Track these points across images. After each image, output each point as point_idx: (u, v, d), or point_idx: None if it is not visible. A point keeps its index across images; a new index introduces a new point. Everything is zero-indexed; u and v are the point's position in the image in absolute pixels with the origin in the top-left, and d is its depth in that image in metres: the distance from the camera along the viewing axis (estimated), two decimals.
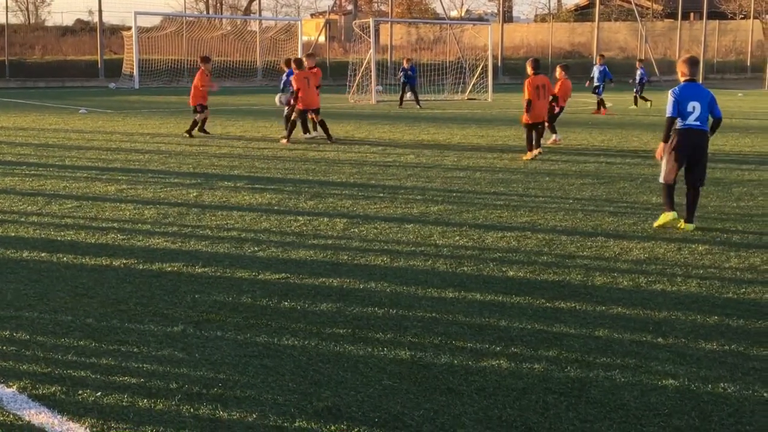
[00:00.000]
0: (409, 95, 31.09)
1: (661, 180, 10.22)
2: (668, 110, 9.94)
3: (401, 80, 31.13)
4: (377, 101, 32.62)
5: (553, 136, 18.77)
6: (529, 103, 16.21)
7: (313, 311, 6.72)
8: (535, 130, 16.47)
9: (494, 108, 31.23)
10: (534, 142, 16.44)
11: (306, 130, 19.68)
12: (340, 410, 4.88)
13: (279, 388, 5.17)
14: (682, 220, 10.00)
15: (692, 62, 10.23)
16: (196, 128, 19.84)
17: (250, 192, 12.12)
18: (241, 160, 15.64)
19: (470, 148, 17.96)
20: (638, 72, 32.10)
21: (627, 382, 5.35)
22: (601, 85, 28.61)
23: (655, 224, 10.10)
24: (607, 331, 6.33)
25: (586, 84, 30.92)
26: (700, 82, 37.43)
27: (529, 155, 16.27)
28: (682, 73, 10.12)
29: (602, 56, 30.68)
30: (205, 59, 20.62)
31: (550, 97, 17.31)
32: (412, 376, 5.41)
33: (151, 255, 8.44)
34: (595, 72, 28.86)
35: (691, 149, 9.97)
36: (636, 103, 32.15)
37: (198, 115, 19.80)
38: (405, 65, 31.05)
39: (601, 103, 28.67)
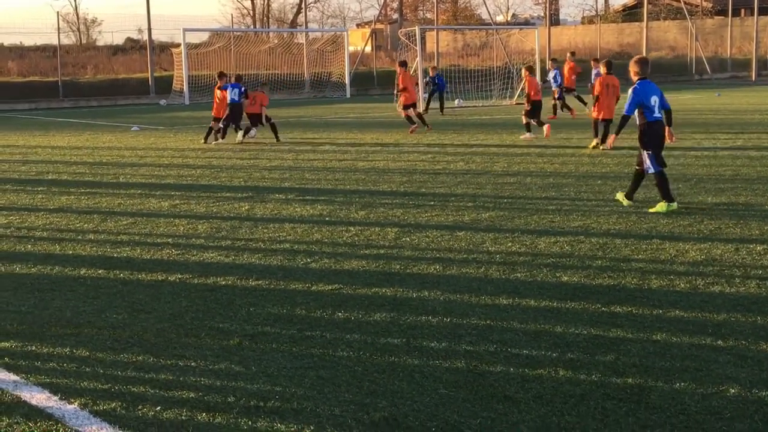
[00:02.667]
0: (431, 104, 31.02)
1: (652, 170, 11.08)
2: (626, 108, 11.22)
3: (430, 89, 31.10)
4: (425, 109, 32.60)
5: (527, 134, 20.76)
6: (597, 98, 18.32)
7: (367, 321, 6.73)
8: (603, 124, 18.15)
9: (543, 112, 31.02)
10: (600, 136, 18.19)
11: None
12: (397, 420, 4.88)
13: (335, 400, 5.18)
14: (625, 196, 11.48)
15: (644, 62, 11.42)
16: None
17: (301, 204, 12.18)
18: (292, 172, 15.74)
19: (520, 154, 17.86)
20: (551, 74, 27.86)
21: (687, 386, 5.27)
22: (560, 89, 27.87)
23: (653, 210, 10.98)
24: (665, 334, 6.25)
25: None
26: (753, 78, 36.47)
27: (593, 144, 18.33)
28: (635, 73, 11.28)
29: (555, 60, 29.63)
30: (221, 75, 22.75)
31: (617, 97, 18.70)
32: (468, 384, 5.39)
33: (205, 269, 8.53)
34: (551, 76, 28.04)
35: (660, 138, 11.17)
36: (555, 111, 27.39)
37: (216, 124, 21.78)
38: (431, 74, 31.06)
39: (555, 107, 27.55)
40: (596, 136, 18.48)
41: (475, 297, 7.35)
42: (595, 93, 18.66)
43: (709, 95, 38.79)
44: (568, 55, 29.39)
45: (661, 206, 10.94)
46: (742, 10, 69.06)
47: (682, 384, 5.31)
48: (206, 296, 7.56)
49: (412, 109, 23.92)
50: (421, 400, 5.15)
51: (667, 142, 11.36)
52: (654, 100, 11.08)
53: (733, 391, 5.18)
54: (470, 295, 7.41)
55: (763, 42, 62.34)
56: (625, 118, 11.37)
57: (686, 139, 19.95)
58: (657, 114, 11.13)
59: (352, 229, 10.34)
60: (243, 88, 22.22)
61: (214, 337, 6.43)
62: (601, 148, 17.90)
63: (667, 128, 11.32)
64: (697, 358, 5.75)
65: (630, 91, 11.09)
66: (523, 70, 22.79)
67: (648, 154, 11.08)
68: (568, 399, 5.12)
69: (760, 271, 7.96)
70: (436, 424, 4.82)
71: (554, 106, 27.45)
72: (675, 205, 10.93)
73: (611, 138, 12.06)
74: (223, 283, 8.00)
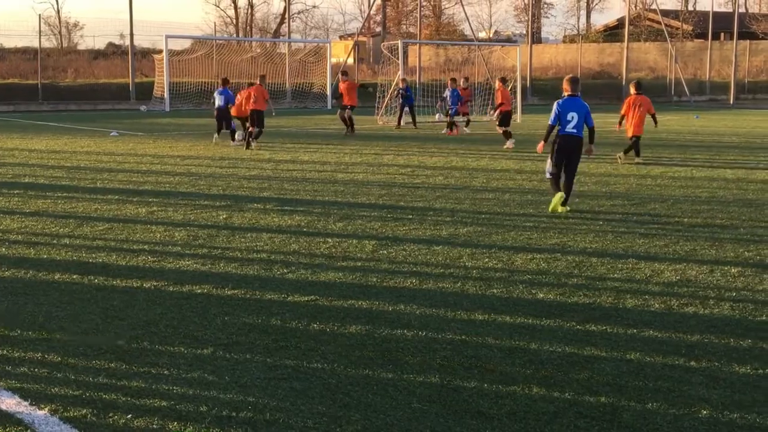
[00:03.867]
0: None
1: (548, 175, 12.85)
2: (551, 118, 12.66)
3: (399, 101, 31.14)
4: (405, 123, 32.65)
5: (508, 142, 22.90)
6: (622, 118, 19.67)
7: (342, 333, 6.72)
8: (633, 140, 19.39)
9: (523, 129, 31.15)
10: (635, 152, 19.32)
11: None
12: None
13: (308, 411, 5.17)
14: (562, 206, 12.43)
15: (573, 81, 12.87)
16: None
17: (279, 214, 12.16)
18: (270, 182, 15.71)
19: (499, 170, 17.92)
20: (446, 93, 28.47)
21: (660, 406, 5.29)
22: (455, 107, 28.12)
23: (549, 209, 12.38)
24: (639, 354, 6.28)
25: (437, 105, 33.05)
26: (731, 102, 36.75)
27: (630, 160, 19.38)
28: (565, 89, 12.74)
29: (453, 80, 29.76)
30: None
31: (646, 114, 19.69)
32: (442, 399, 5.38)
33: (181, 277, 8.48)
34: (447, 94, 28.28)
35: (568, 150, 12.51)
36: (451, 128, 27.83)
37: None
38: (401, 85, 31.12)
39: (452, 124, 27.89)
40: (635, 152, 19.39)
41: (450, 312, 7.35)
42: (623, 112, 19.73)
43: (687, 117, 39.08)
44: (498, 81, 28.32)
45: (555, 199, 12.39)
46: (722, 34, 69.75)
47: (655, 404, 5.33)
48: (181, 304, 7.52)
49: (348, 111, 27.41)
50: (394, 414, 5.14)
51: (584, 155, 12.89)
52: (571, 115, 12.45)
53: (705, 412, 5.21)
54: (446, 309, 7.42)
55: (742, 66, 62.97)
56: (549, 127, 12.78)
57: (664, 160, 20.09)
58: (570, 129, 12.47)
59: (330, 240, 10.32)
60: (230, 92, 23.64)
61: (188, 345, 6.40)
62: (621, 160, 19.28)
63: (542, 142, 13.04)
64: (670, 379, 5.78)
65: (554, 104, 12.71)
66: (497, 81, 24.93)
67: (550, 159, 12.65)
68: (542, 416, 5.13)
69: (734, 293, 8.01)
70: None
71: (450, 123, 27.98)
72: (560, 194, 12.37)
73: (540, 144, 13.10)
74: (199, 291, 7.97)
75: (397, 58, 33.94)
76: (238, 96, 23.98)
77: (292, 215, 12.04)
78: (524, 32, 76.51)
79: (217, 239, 10.40)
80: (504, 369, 5.94)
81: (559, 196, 12.34)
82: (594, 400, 5.39)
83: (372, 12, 78.75)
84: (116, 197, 13.71)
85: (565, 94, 12.65)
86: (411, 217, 12.01)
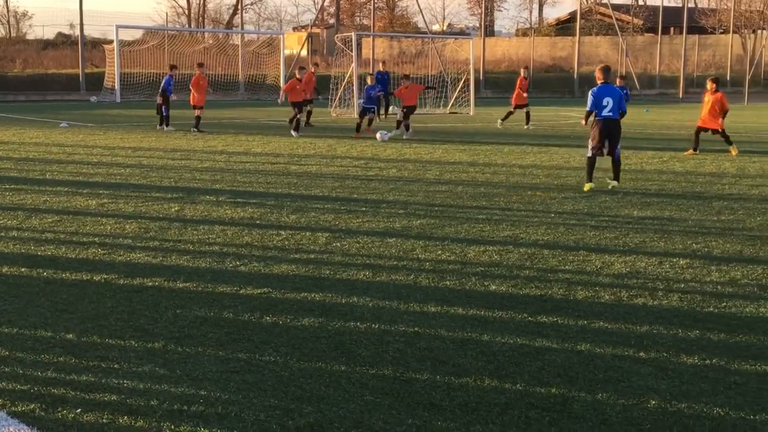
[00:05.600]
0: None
1: (589, 154, 14.17)
2: (588, 105, 14.14)
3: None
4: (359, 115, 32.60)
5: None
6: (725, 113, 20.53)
7: (295, 326, 6.70)
8: (701, 132, 20.50)
9: (476, 122, 31.31)
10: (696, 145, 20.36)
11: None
12: (322, 426, 4.86)
13: (261, 405, 5.15)
14: (612, 180, 14.22)
15: (606, 69, 14.39)
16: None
17: (232, 206, 12.09)
18: (223, 174, 15.61)
19: (452, 162, 17.98)
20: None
21: (609, 397, 5.35)
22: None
23: (585, 189, 13.87)
24: (589, 345, 6.34)
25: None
26: (680, 96, 37.08)
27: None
28: (598, 78, 14.23)
29: (368, 74, 29.97)
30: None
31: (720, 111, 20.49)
32: (395, 391, 5.40)
33: (132, 270, 8.40)
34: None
35: (607, 131, 13.97)
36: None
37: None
38: (381, 68, 31.20)
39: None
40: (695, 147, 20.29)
41: (403, 304, 7.37)
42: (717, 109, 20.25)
43: (638, 111, 39.50)
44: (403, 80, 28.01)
45: (585, 187, 13.94)
46: (672, 29, 70.59)
47: (605, 395, 5.39)
48: (132, 297, 7.45)
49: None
50: (347, 407, 5.14)
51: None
52: (606, 101, 13.89)
53: (653, 402, 5.28)
54: (399, 302, 7.43)
55: (691, 60, 63.84)
56: (588, 112, 14.24)
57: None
58: (606, 113, 13.92)
59: (283, 233, 10.29)
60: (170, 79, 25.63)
61: (138, 339, 6.34)
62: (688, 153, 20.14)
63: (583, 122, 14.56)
64: (619, 369, 5.85)
65: (589, 93, 14.19)
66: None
67: (591, 141, 14.07)
68: (493, 407, 5.16)
69: (683, 285, 8.12)
70: (362, 431, 4.82)
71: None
72: (590, 185, 13.92)
73: (584, 123, 14.63)
74: (150, 284, 7.90)
75: (351, 51, 33.88)
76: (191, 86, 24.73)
77: (245, 207, 11.98)
78: (477, 25, 76.82)
79: (169, 232, 10.31)
80: (456, 361, 5.97)
81: (589, 186, 13.89)
82: (545, 390, 5.44)
83: (326, 4, 78.55)
84: (66, 189, 13.53)
85: (599, 82, 14.12)
86: (364, 209, 12.01)
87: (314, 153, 19.58)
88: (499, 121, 28.42)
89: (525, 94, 28.01)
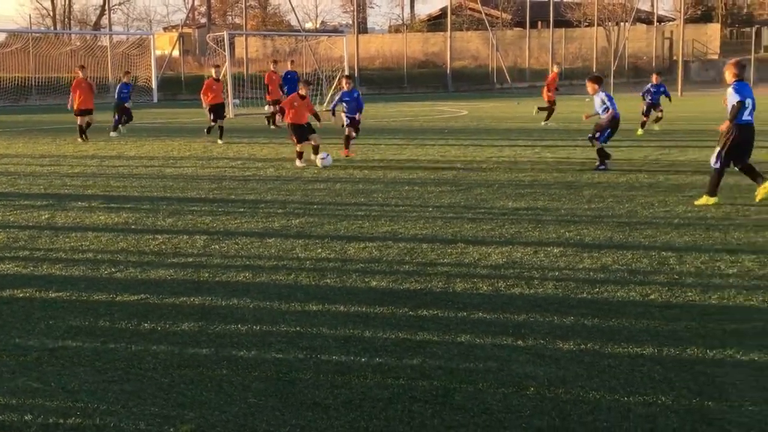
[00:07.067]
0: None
1: (714, 164, 11.85)
2: (736, 98, 11.54)
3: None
4: (235, 115, 32.31)
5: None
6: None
7: (174, 331, 6.59)
8: None
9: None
10: None
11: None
12: None
13: (141, 413, 5.04)
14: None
15: (741, 65, 12.07)
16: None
17: (105, 212, 11.79)
18: (96, 179, 15.21)
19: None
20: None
21: (489, 386, 5.45)
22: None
23: (697, 203, 11.95)
24: (469, 336, 6.44)
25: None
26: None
27: None
28: (733, 75, 11.80)
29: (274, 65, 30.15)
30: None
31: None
32: (278, 392, 5.36)
33: (1, 281, 8.09)
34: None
35: (747, 141, 11.78)
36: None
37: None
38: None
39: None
40: None
41: (285, 304, 7.33)
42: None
43: (509, 104, 40.39)
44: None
45: (704, 199, 11.90)
46: (539, 23, 72.32)
47: (485, 384, 5.48)
48: (2, 310, 7.18)
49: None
50: (229, 410, 5.08)
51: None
52: (748, 102, 11.62)
53: (532, 389, 5.40)
54: (280, 302, 7.39)
55: (559, 53, 65.54)
56: (739, 104, 11.53)
57: (488, 145, 20.68)
58: (746, 117, 11.66)
59: (159, 237, 10.10)
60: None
61: (10, 353, 6.11)
62: None
63: (727, 122, 11.73)
64: (498, 359, 5.96)
65: (730, 89, 11.70)
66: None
67: (720, 148, 11.78)
68: (377, 403, 5.19)
69: (557, 273, 8.33)
70: None
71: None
72: (714, 200, 11.81)
73: (726, 124, 11.72)
74: (21, 295, 7.63)
75: (224, 50, 33.50)
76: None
77: (119, 212, 11.70)
78: (350, 22, 77.03)
79: (39, 240, 9.98)
80: (339, 358, 5.97)
81: (714, 201, 11.80)
82: (427, 383, 5.49)
83: (196, 3, 77.44)
84: None
85: (733, 80, 11.82)
86: (242, 210, 11.90)
87: (190, 155, 19.29)
88: (542, 120, 28.24)
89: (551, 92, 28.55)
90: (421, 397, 5.26)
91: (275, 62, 30.21)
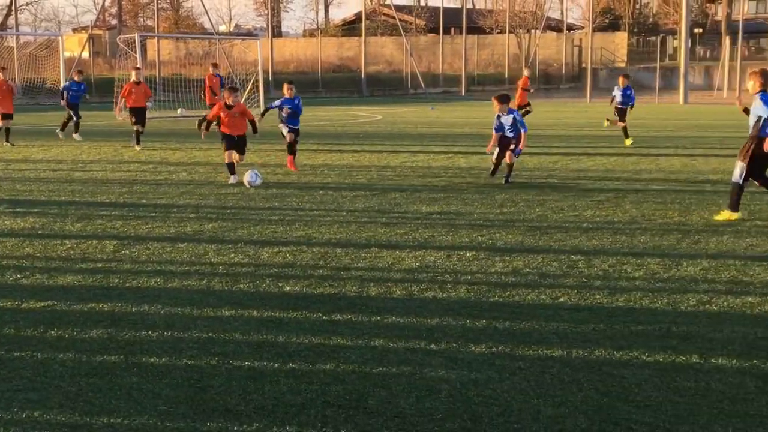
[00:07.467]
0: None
1: (740, 180, 11.29)
2: (764, 111, 10.98)
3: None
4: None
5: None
6: None
7: (83, 339, 6.45)
8: None
9: (266, 123, 31.16)
10: None
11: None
12: None
13: (46, 423, 4.92)
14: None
15: (766, 74, 11.21)
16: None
17: (11, 216, 11.49)
18: (1, 183, 14.81)
19: (243, 165, 17.80)
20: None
21: (403, 389, 5.47)
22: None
23: (717, 217, 11.43)
24: (382, 340, 6.46)
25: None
26: (463, 93, 38.23)
27: None
28: (760, 84, 11.12)
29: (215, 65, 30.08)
30: None
31: None
32: (189, 399, 5.29)
33: None
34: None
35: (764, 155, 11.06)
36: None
37: None
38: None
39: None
40: None
41: (197, 310, 7.25)
42: None
43: (423, 109, 40.68)
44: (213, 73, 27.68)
45: (726, 214, 11.43)
46: (453, 29, 73.10)
47: (398, 388, 5.50)
48: None
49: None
50: (139, 419, 5.00)
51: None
52: None
53: (444, 392, 5.44)
54: (192, 307, 7.30)
55: (471, 59, 66.32)
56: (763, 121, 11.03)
57: (402, 150, 20.79)
58: None
59: (68, 242, 9.88)
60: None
61: None
62: None
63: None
64: (412, 362, 5.99)
65: (759, 100, 11.09)
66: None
67: (742, 162, 11.26)
68: (290, 408, 5.16)
69: (470, 276, 8.41)
70: None
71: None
72: (737, 215, 11.35)
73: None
74: None
75: (135, 52, 32.97)
76: None
77: (26, 217, 11.41)
78: (265, 26, 76.61)
79: None
80: (252, 364, 5.93)
81: (737, 216, 11.33)
82: (341, 388, 5.49)
83: (107, 4, 76.08)
84: None
85: (759, 89, 11.16)
86: (154, 214, 11.72)
87: (99, 158, 18.94)
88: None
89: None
90: (334, 402, 5.26)
91: (215, 65, 29.72)
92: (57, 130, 24.45)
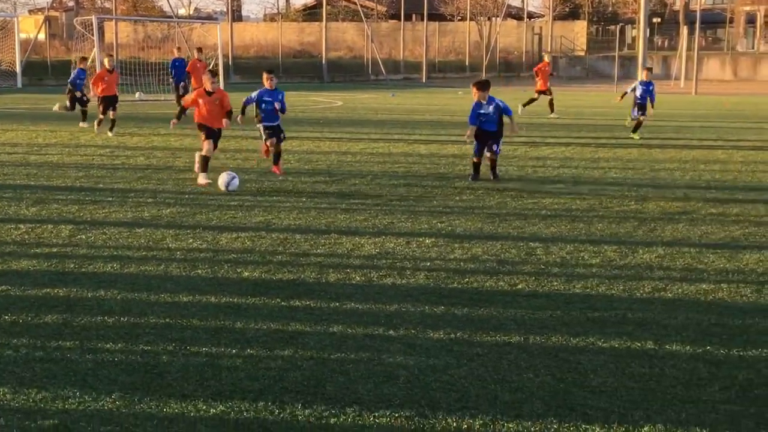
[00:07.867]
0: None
1: None
2: None
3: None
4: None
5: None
6: None
7: (37, 324, 6.38)
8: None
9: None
10: None
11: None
12: (68, 427, 4.66)
13: (0, 410, 4.86)
14: None
15: None
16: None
17: None
18: None
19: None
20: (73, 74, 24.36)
21: (361, 375, 5.48)
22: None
23: None
24: (341, 327, 6.45)
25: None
26: (424, 80, 38.16)
27: None
28: None
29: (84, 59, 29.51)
30: None
31: None
32: (145, 385, 5.26)
33: None
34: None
35: None
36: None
37: None
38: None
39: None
40: None
41: (154, 295, 7.19)
42: None
43: (384, 95, 40.61)
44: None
45: None
46: (414, 16, 72.97)
47: (356, 374, 5.51)
48: None
49: None
50: (94, 405, 4.95)
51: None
52: None
53: (402, 378, 5.45)
54: (149, 293, 7.25)
55: (432, 46, 66.30)
56: None
57: (363, 137, 20.76)
58: None
59: (22, 226, 9.75)
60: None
61: None
62: None
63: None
64: (370, 348, 5.99)
65: None
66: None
67: None
68: (247, 394, 5.15)
69: (429, 263, 8.44)
70: (110, 428, 4.66)
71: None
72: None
73: None
74: None
75: (92, 35, 32.56)
76: None
77: None
78: (225, 10, 75.97)
79: None
80: (209, 350, 5.90)
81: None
82: (299, 374, 5.48)
83: None
84: None
85: None
86: (111, 199, 11.60)
87: (55, 142, 18.69)
88: (520, 107, 26.63)
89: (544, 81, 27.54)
90: (292, 388, 5.25)
91: (200, 50, 29.16)
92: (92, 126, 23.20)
